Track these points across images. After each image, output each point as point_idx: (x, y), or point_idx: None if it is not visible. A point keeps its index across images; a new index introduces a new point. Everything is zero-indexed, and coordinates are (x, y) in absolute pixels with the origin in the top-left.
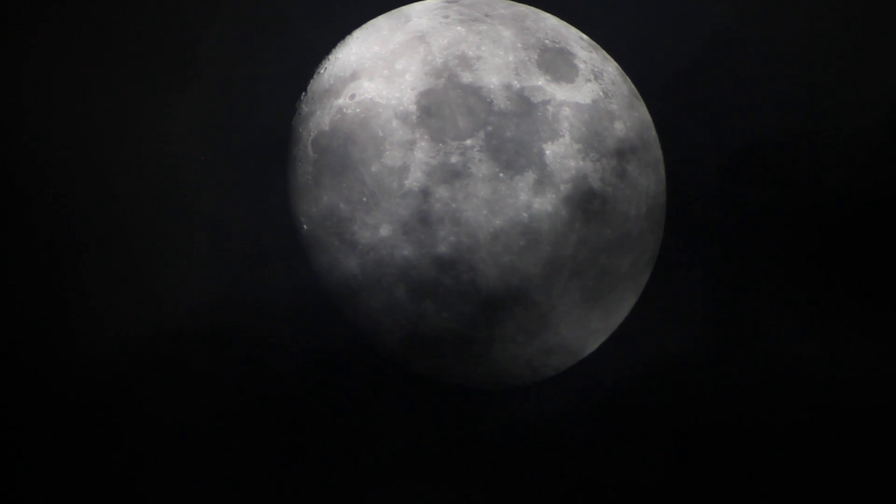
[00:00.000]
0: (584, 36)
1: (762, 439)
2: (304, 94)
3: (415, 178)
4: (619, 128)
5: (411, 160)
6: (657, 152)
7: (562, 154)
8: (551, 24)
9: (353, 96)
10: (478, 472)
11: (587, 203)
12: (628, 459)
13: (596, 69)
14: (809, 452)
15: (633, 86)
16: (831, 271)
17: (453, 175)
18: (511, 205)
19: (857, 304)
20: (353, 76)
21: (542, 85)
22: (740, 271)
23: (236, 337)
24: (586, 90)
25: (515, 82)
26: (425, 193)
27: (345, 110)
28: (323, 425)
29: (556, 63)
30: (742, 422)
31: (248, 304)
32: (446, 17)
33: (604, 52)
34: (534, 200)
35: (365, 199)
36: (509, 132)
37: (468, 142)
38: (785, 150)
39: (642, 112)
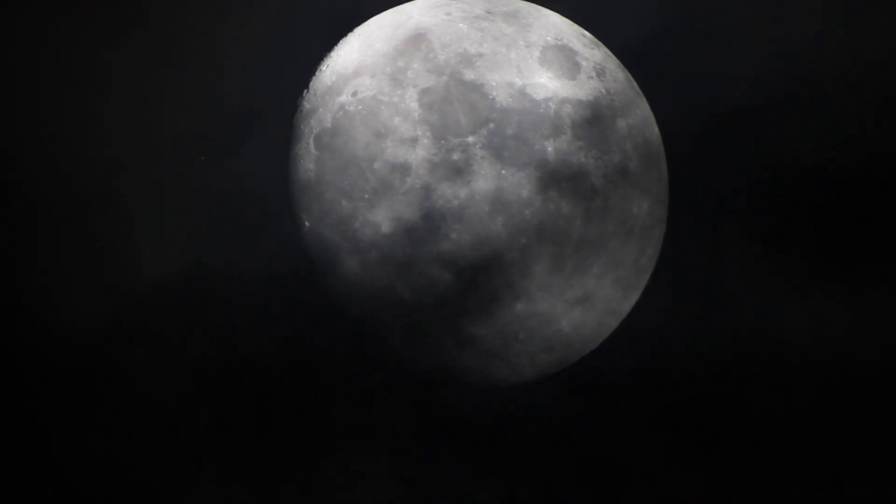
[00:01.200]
0: (587, 33)
1: (736, 411)
2: (305, 91)
3: (417, 176)
4: (622, 125)
5: (413, 157)
6: (660, 150)
7: (564, 151)
8: (553, 21)
9: (355, 93)
10: (478, 469)
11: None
12: (600, 432)
13: (598, 66)
14: (784, 424)
15: (635, 83)
16: (805, 242)
17: (455, 172)
18: (513, 202)
19: (831, 274)
20: (356, 73)
21: (545, 82)
22: (713, 241)
23: (208, 306)
24: (588, 87)
25: (517, 79)
26: (427, 191)
27: (347, 107)
28: (297, 402)
29: (559, 60)
30: (714, 393)
31: (221, 273)
32: (448, 14)
33: (605, 50)
34: (536, 198)
35: (367, 196)
36: (511, 129)
37: (470, 139)
38: (759, 118)
39: (645, 109)
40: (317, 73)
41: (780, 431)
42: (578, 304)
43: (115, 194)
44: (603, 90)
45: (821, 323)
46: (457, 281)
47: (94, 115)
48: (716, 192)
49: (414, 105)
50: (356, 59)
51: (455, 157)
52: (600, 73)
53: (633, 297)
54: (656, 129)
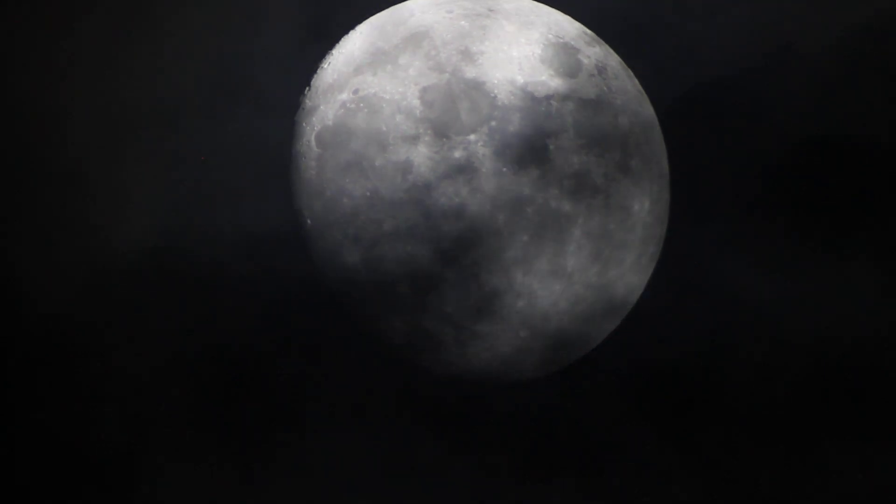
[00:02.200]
0: (588, 31)
1: (715, 381)
2: (307, 88)
3: (418, 174)
4: (623, 122)
5: (415, 155)
6: (661, 147)
7: (565, 149)
8: (555, 19)
9: (356, 91)
10: (479, 466)
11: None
12: (582, 399)
13: (600, 64)
14: (763, 392)
15: (636, 81)
16: (780, 211)
17: (457, 170)
18: (515, 200)
19: (807, 243)
20: (357, 71)
21: (546, 80)
22: (688, 213)
23: (183, 279)
24: (590, 85)
25: (519, 77)
26: (429, 188)
27: (348, 105)
28: (273, 377)
29: (560, 58)
30: (694, 363)
31: (196, 246)
32: (450, 11)
33: (607, 47)
34: (537, 195)
35: (368, 193)
36: (513, 127)
37: (472, 137)
38: (731, 90)
39: (646, 107)
40: (318, 71)
41: (755, 395)
42: (581, 301)
43: (86, 169)
44: (604, 88)
45: (795, 291)
46: (459, 278)
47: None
48: (690, 164)
49: (415, 103)
50: (358, 56)
51: (457, 154)
52: (602, 70)
53: (637, 292)
54: (657, 127)
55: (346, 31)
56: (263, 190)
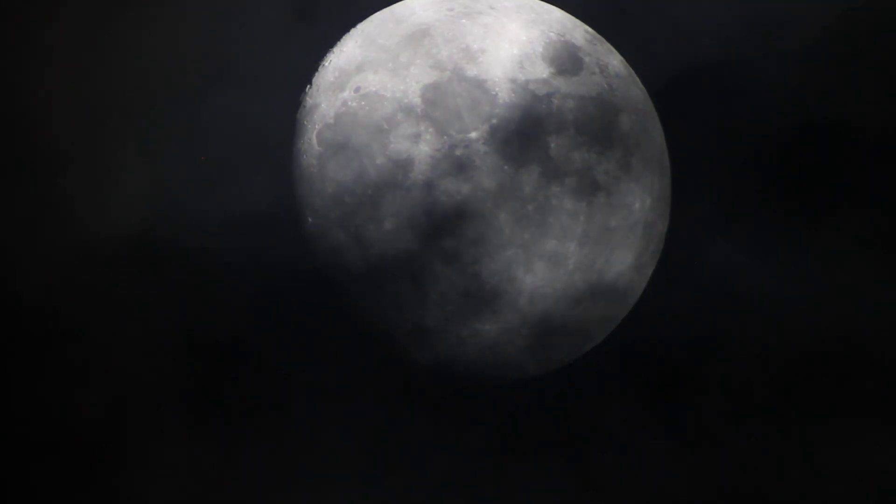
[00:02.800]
0: (589, 29)
1: (702, 364)
2: (308, 86)
3: (420, 171)
4: (624, 120)
5: (416, 153)
6: (662, 144)
7: (566, 147)
8: (556, 17)
9: (357, 89)
10: (439, 426)
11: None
12: (567, 382)
13: (601, 62)
14: (750, 375)
15: (637, 79)
16: (769, 195)
17: (458, 168)
18: (516, 197)
19: (796, 227)
20: (358, 69)
21: (547, 78)
22: (674, 196)
23: (171, 260)
24: (591, 83)
25: (520, 75)
26: (430, 186)
27: (349, 103)
28: (260, 358)
29: (561, 56)
30: (681, 346)
31: (184, 227)
32: (451, 9)
33: (608, 45)
34: (538, 193)
35: (370, 191)
36: (514, 125)
37: (473, 135)
38: (721, 71)
39: (647, 104)
40: (319, 69)
41: (741, 373)
42: (582, 300)
43: (71, 153)
44: (605, 86)
45: (782, 270)
46: (460, 276)
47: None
48: (680, 145)
49: (416, 101)
50: (359, 54)
51: (458, 152)
52: (603, 68)
53: (639, 290)
54: (658, 125)
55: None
56: (249, 174)
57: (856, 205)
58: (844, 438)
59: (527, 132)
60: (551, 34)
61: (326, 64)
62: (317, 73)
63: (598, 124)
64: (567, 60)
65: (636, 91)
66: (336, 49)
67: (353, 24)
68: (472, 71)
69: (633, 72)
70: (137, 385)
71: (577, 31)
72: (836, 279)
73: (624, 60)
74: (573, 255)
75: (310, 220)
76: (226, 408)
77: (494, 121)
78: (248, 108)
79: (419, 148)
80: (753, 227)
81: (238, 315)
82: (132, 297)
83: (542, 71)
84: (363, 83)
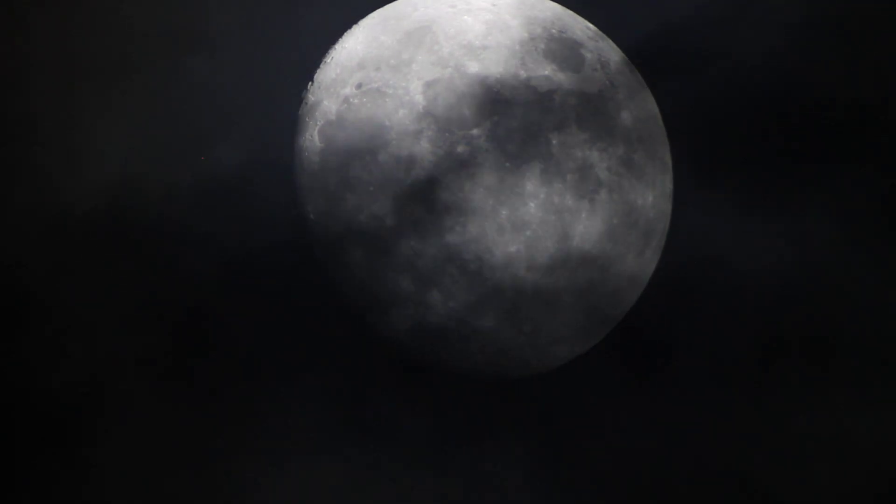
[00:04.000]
0: (591, 25)
1: (672, 327)
2: (310, 83)
3: (421, 168)
4: (626, 117)
5: (418, 150)
6: (664, 141)
7: (568, 144)
8: (558, 14)
9: (359, 86)
10: (411, 398)
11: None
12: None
13: (603, 59)
14: (719, 342)
15: (639, 75)
16: (738, 161)
17: (460, 165)
18: (518, 194)
19: (769, 190)
20: (360, 66)
21: (549, 74)
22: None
23: (142, 227)
24: (593, 80)
25: (522, 72)
26: (432, 183)
27: (351, 100)
28: (230, 327)
29: (563, 53)
30: (651, 308)
31: (156, 194)
32: (453, 6)
33: (610, 42)
34: (540, 190)
35: (371, 188)
36: (516, 122)
37: (474, 131)
38: (695, 36)
39: (649, 101)
40: (321, 66)
41: (717, 345)
42: (582, 298)
43: (41, 120)
44: (607, 82)
45: (758, 241)
46: (461, 273)
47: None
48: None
49: (418, 97)
50: (361, 51)
51: (459, 149)
52: (605, 65)
53: (638, 290)
54: (660, 122)
55: (349, 26)
56: (222, 141)
57: (832, 171)
58: (818, 405)
59: (529, 129)
60: (553, 31)
61: (328, 60)
62: (318, 70)
63: (600, 121)
64: (569, 57)
65: (638, 87)
66: (338, 45)
67: (355, 21)
68: (473, 67)
69: (634, 68)
70: (106, 357)
71: (578, 27)
72: (811, 248)
73: (625, 57)
74: (575, 251)
75: (311, 217)
76: (196, 380)
77: (496, 118)
78: (221, 75)
79: (421, 145)
80: (728, 192)
81: (208, 286)
82: (103, 265)
83: (543, 68)
84: (365, 80)
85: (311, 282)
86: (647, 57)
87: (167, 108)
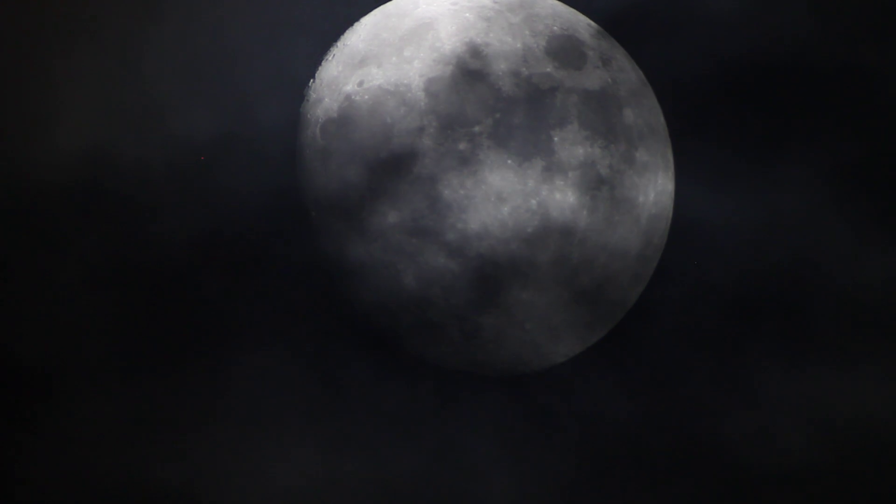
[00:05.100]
0: (593, 23)
1: (648, 289)
2: (312, 80)
3: (423, 165)
4: (628, 115)
5: (419, 147)
6: (665, 139)
7: (570, 141)
8: (559, 11)
9: (361, 83)
10: (386, 367)
11: (595, 189)
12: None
13: (604, 56)
14: (694, 309)
15: (641, 72)
16: (709, 130)
17: (461, 162)
18: (519, 192)
19: (743, 155)
20: (362, 63)
21: (551, 72)
22: None
23: (114, 191)
24: (595, 77)
25: (524, 69)
26: (433, 180)
27: (353, 97)
28: (201, 294)
29: (565, 50)
30: (625, 279)
31: (128, 158)
32: (455, 3)
33: (612, 40)
34: (542, 187)
35: (373, 186)
36: (517, 119)
37: (476, 129)
38: (660, 6)
39: (651, 99)
40: (323, 63)
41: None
42: (582, 296)
43: (12, 83)
44: (609, 80)
45: (741, 209)
46: (463, 270)
47: None
48: None
49: (420, 95)
50: (362, 48)
51: (461, 146)
52: (606, 62)
53: (639, 288)
54: (662, 119)
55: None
56: (195, 104)
57: (806, 135)
58: (790, 369)
59: (530, 126)
60: (555, 28)
61: (330, 58)
62: (320, 67)
63: (602, 118)
64: (570, 54)
65: (640, 85)
66: (340, 43)
67: (356, 19)
68: (475, 65)
69: (636, 65)
70: (75, 324)
71: (580, 25)
72: (785, 211)
73: (627, 54)
74: (577, 248)
75: (313, 214)
76: (166, 346)
77: (498, 115)
78: (196, 35)
79: (423, 142)
80: (700, 157)
81: (180, 256)
82: (73, 229)
83: (545, 65)
84: (367, 77)
85: (286, 252)
86: (620, 24)
87: (138, 77)
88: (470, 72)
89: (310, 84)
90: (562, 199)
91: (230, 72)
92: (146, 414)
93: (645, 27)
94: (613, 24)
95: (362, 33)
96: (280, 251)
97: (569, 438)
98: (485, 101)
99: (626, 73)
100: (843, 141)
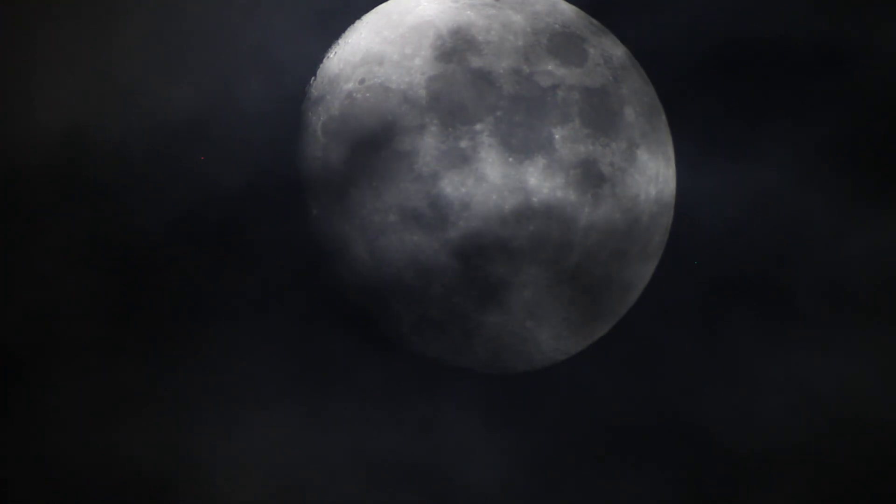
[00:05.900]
0: (594, 20)
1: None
2: (313, 78)
3: (424, 163)
4: (629, 112)
5: (421, 145)
6: (667, 137)
7: (571, 138)
8: (560, 9)
9: (362, 81)
10: (363, 342)
11: (596, 186)
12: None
13: (605, 54)
14: (680, 281)
15: (642, 70)
16: (692, 109)
17: (463, 160)
18: (520, 189)
19: (725, 135)
20: (363, 60)
21: (552, 69)
22: None
23: (93, 168)
24: (596, 75)
25: (525, 67)
26: (435, 178)
27: (354, 95)
28: (181, 272)
29: (566, 47)
30: (601, 255)
31: (106, 134)
32: (456, 1)
33: (613, 37)
34: (543, 185)
35: (374, 183)
36: (518, 116)
37: (477, 126)
38: None
39: (652, 97)
40: (324, 61)
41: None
42: (584, 294)
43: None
44: (610, 77)
45: (731, 180)
46: (465, 268)
47: None
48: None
49: (422, 93)
50: (364, 46)
51: (462, 144)
52: (607, 59)
53: (641, 285)
54: (663, 116)
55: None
56: (174, 84)
57: (790, 114)
58: (771, 346)
59: (531, 124)
60: (556, 26)
61: (331, 55)
62: (322, 65)
63: (603, 116)
64: (572, 52)
65: (641, 82)
66: (341, 40)
67: (358, 16)
68: (476, 62)
69: (637, 63)
70: (53, 305)
71: (581, 22)
72: (767, 188)
73: (628, 51)
74: (578, 245)
75: (314, 211)
76: (145, 327)
77: (499, 112)
78: (176, 7)
79: (424, 140)
80: (683, 135)
81: (158, 233)
82: (52, 207)
83: (546, 62)
84: (368, 75)
85: (267, 234)
86: (602, 4)
87: (116, 58)
88: (471, 69)
89: (311, 81)
90: (563, 196)
91: (210, 52)
92: (125, 394)
93: (629, 6)
94: (598, 5)
95: (364, 31)
96: (261, 233)
97: (549, 415)
98: (486, 99)
99: (627, 70)
100: (826, 118)
